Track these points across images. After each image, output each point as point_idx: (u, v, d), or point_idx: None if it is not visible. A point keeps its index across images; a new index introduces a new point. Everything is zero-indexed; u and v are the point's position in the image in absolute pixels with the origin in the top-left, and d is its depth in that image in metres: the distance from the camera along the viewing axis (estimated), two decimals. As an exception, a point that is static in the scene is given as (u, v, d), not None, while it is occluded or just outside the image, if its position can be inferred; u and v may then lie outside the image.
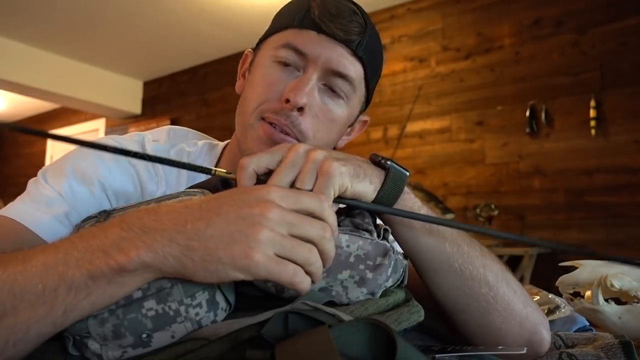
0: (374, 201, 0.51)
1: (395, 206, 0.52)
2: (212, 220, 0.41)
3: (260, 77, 0.66)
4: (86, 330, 0.42)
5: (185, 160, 0.70)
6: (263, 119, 0.64)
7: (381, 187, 0.51)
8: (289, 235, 0.42)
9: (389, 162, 0.52)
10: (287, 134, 0.63)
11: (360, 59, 0.65)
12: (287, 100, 0.61)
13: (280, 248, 0.41)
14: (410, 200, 0.54)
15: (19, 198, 0.62)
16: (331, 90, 0.65)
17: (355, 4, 0.66)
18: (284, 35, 0.65)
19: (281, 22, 0.67)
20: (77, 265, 0.40)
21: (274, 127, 0.63)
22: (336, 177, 0.46)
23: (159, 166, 0.68)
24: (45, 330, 0.41)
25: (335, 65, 0.63)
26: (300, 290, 0.42)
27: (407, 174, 0.53)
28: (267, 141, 0.63)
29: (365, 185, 0.49)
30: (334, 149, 0.74)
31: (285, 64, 0.64)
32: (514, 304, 0.56)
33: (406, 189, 0.53)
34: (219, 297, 0.45)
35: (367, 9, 0.69)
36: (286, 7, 0.69)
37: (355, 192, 0.49)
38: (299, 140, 0.63)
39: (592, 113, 2.61)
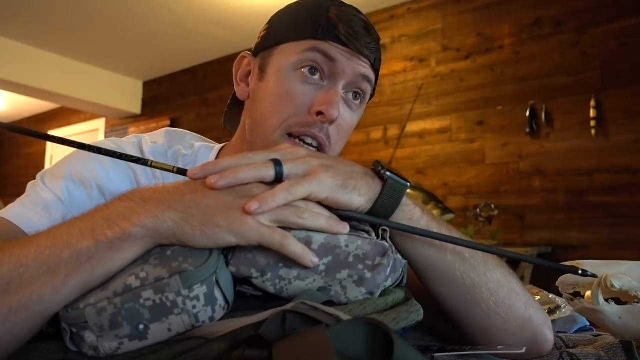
0: (370, 212, 0.51)
1: (393, 217, 0.52)
2: (208, 193, 0.45)
3: (281, 88, 0.65)
4: (84, 319, 0.42)
5: (180, 163, 0.70)
6: (290, 134, 0.64)
7: (377, 199, 0.51)
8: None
9: (387, 173, 0.51)
10: (321, 146, 0.65)
11: (376, 71, 0.70)
12: (320, 113, 0.63)
13: (270, 215, 0.45)
14: (409, 212, 0.53)
15: (17, 200, 0.63)
16: (351, 99, 0.68)
17: (365, 16, 0.68)
18: (307, 42, 0.64)
19: (296, 31, 0.66)
20: (81, 233, 0.44)
21: (302, 141, 0.64)
22: (314, 184, 0.47)
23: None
24: (46, 296, 0.42)
25: (362, 71, 0.66)
26: (290, 253, 0.45)
27: (407, 185, 0.52)
28: None
29: (352, 197, 0.49)
30: None
31: (309, 73, 0.64)
32: (516, 306, 0.56)
33: (405, 200, 0.53)
34: (218, 294, 0.45)
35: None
36: (295, 17, 0.68)
37: (338, 203, 0.49)
38: (326, 153, 0.65)
39: (592, 113, 2.61)
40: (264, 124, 0.66)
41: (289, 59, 0.65)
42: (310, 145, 0.64)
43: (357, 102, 0.69)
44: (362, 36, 0.65)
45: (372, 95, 0.74)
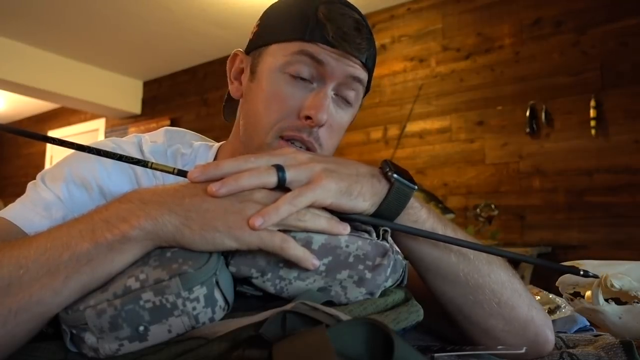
0: (375, 214, 0.51)
1: (398, 219, 0.52)
2: (207, 197, 0.45)
3: (271, 90, 0.65)
4: (84, 321, 0.42)
5: (179, 162, 0.70)
6: (281, 137, 0.64)
7: (382, 201, 0.50)
8: None
9: (394, 176, 0.50)
10: (310, 150, 0.64)
11: (368, 69, 0.68)
12: (308, 117, 0.62)
13: None
14: (414, 215, 0.53)
15: (18, 200, 0.63)
16: (342, 99, 0.67)
17: (358, 13, 0.66)
18: (295, 44, 0.63)
19: (285, 32, 0.65)
20: (80, 235, 0.43)
21: (293, 144, 0.64)
22: (317, 192, 0.46)
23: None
24: (46, 298, 0.42)
25: (352, 72, 0.65)
26: (291, 256, 0.45)
27: (414, 188, 0.51)
28: None
29: (356, 203, 0.49)
30: None
31: (298, 77, 0.63)
32: (518, 307, 0.56)
33: (412, 202, 0.52)
34: (217, 295, 0.45)
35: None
36: (284, 16, 0.66)
37: (342, 209, 0.49)
38: None
39: (592, 113, 2.61)
40: (256, 126, 0.66)
41: (277, 60, 0.64)
42: (300, 147, 0.64)
43: (354, 95, 0.68)
44: (351, 36, 0.62)
45: (367, 91, 0.72)
